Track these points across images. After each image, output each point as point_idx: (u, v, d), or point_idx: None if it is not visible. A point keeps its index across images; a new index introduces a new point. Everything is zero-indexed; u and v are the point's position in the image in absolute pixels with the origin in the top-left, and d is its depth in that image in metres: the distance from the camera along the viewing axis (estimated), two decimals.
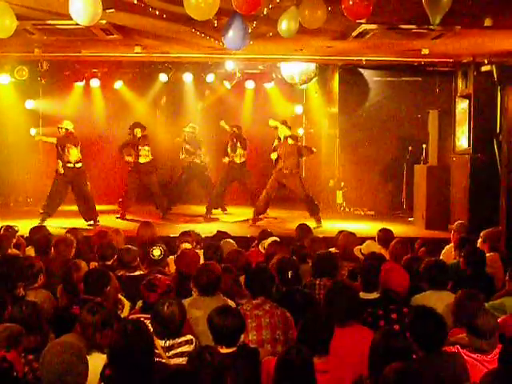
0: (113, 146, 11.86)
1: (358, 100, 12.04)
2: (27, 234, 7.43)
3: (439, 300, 4.73)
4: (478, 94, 9.69)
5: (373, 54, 9.45)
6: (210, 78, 12.47)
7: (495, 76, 9.28)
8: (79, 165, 10.32)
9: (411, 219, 11.09)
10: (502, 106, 9.35)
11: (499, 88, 9.37)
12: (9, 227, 7.21)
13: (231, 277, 5.25)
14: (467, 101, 10.01)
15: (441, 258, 6.71)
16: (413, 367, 3.16)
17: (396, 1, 6.18)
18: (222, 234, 7.38)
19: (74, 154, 10.25)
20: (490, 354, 3.79)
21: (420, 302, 4.58)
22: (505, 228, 8.95)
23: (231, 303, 4.74)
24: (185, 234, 7.03)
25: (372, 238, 6.97)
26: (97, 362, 3.57)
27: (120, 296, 5.01)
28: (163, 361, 3.78)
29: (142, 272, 5.69)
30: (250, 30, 6.28)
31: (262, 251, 6.72)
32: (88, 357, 3.34)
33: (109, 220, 10.60)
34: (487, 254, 6.16)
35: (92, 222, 10.25)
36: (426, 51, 8.63)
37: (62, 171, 10.25)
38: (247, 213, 11.11)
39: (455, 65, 10.17)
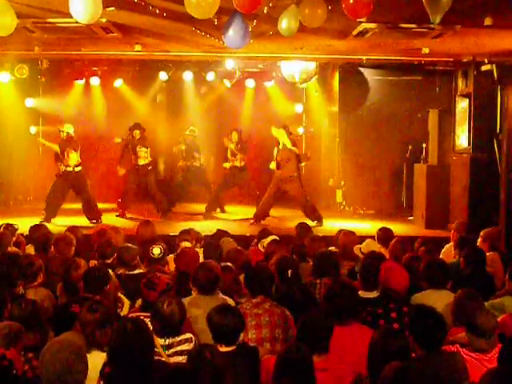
0: (112, 144, 11.84)
1: (358, 99, 12.03)
2: (27, 233, 7.44)
3: (439, 299, 4.74)
4: (478, 93, 9.70)
5: (373, 53, 9.45)
6: (210, 76, 12.47)
7: (495, 75, 9.27)
8: (78, 168, 10.37)
9: (411, 218, 11.09)
10: (502, 105, 9.34)
11: (499, 87, 9.36)
12: (8, 225, 7.21)
13: (231, 275, 5.25)
14: (467, 100, 10.01)
15: (440, 257, 6.72)
16: (412, 366, 3.17)
17: (396, 0, 6.18)
18: (221, 233, 7.38)
19: (73, 158, 10.30)
20: (489, 353, 3.79)
21: (420, 301, 4.58)
22: (504, 227, 8.95)
23: (231, 302, 4.75)
24: (185, 232, 7.03)
25: (372, 237, 6.97)
26: (96, 360, 3.57)
27: (120, 294, 5.02)
28: (163, 359, 3.79)
29: (141, 270, 5.69)
30: (250, 29, 6.28)
31: (262, 250, 6.73)
32: (88, 355, 3.35)
33: (109, 218, 10.60)
34: (487, 254, 6.17)
35: (95, 221, 10.30)
36: (426, 50, 8.63)
37: (62, 174, 10.28)
38: (247, 211, 11.13)
39: (455, 64, 10.18)
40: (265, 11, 6.15)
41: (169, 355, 3.87)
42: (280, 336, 4.40)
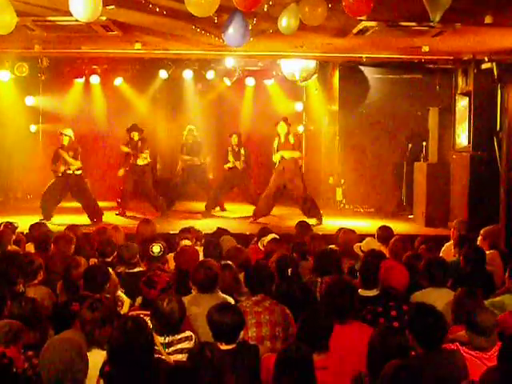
0: (112, 142, 11.84)
1: (359, 97, 12.02)
2: (27, 231, 7.44)
3: (439, 297, 4.73)
4: (478, 91, 9.69)
5: (373, 52, 9.44)
6: (210, 74, 12.46)
7: (495, 73, 9.27)
8: (79, 172, 10.37)
9: (411, 216, 11.09)
10: (502, 103, 9.33)
11: (499, 85, 9.35)
12: (8, 223, 7.22)
13: (231, 274, 5.25)
14: (467, 98, 10.01)
15: (440, 255, 6.71)
16: (412, 364, 3.17)
17: None
18: (221, 231, 7.37)
19: (76, 163, 10.28)
20: (489, 351, 3.79)
21: (420, 300, 4.57)
22: (504, 226, 8.94)
23: (231, 300, 4.74)
24: (185, 230, 7.03)
25: (372, 236, 6.97)
26: (96, 358, 3.57)
27: (120, 292, 5.02)
28: (163, 357, 3.78)
29: (141, 269, 5.68)
30: (250, 27, 6.28)
31: (262, 248, 6.73)
32: (88, 353, 3.35)
33: (109, 216, 10.60)
34: (487, 252, 6.16)
35: (96, 220, 10.29)
36: (426, 48, 8.63)
37: (61, 175, 10.27)
38: (247, 210, 11.13)
39: (455, 62, 10.16)
40: (265, 9, 6.15)
41: (169, 353, 3.86)
42: (280, 334, 4.40)
